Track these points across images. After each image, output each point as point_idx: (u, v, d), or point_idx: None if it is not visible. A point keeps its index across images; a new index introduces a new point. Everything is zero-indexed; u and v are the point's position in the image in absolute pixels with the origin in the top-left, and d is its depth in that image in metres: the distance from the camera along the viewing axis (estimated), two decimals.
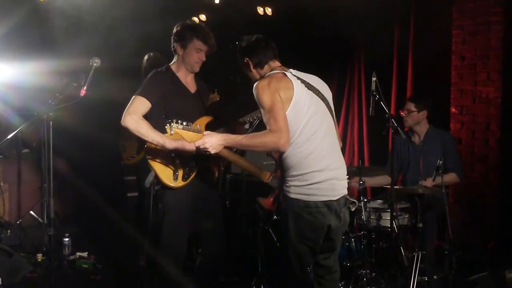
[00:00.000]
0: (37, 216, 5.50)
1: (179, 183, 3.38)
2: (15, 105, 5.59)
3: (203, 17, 6.62)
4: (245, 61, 3.06)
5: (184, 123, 2.93)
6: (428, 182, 4.08)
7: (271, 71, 2.99)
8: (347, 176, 3.04)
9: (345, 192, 2.99)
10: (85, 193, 5.82)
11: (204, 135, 2.98)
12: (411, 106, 4.57)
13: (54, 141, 3.93)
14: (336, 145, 3.02)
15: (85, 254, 4.96)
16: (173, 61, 3.58)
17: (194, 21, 3.56)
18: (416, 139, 4.62)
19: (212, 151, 2.96)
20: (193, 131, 2.95)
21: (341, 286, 4.01)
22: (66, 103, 3.59)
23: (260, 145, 2.83)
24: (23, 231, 5.34)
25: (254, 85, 2.89)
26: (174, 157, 3.38)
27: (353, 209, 3.08)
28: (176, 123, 2.91)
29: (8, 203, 5.82)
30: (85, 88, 3.49)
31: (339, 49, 6.22)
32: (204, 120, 3.52)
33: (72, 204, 6.26)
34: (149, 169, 4.85)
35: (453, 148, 4.55)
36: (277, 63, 3.05)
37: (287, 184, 2.91)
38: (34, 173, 5.79)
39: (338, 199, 2.92)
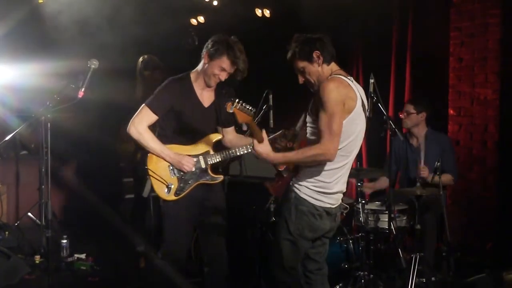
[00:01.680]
0: (35, 218, 5.49)
1: (171, 197, 3.37)
2: (13, 106, 5.59)
3: (201, 18, 6.62)
4: (314, 55, 2.91)
5: (243, 104, 2.83)
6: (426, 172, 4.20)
7: (331, 71, 2.95)
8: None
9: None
10: (83, 195, 5.80)
11: (264, 137, 2.88)
12: (410, 108, 4.58)
13: (52, 142, 3.94)
14: None
15: (83, 256, 4.96)
16: (196, 68, 3.45)
17: (235, 39, 3.35)
18: (414, 141, 4.62)
19: (258, 156, 2.91)
20: (244, 112, 2.84)
21: (339, 287, 4.02)
22: (64, 104, 3.59)
23: (310, 160, 2.82)
24: (21, 233, 5.33)
25: (323, 84, 2.82)
26: (172, 171, 3.38)
27: (344, 214, 3.15)
28: (237, 102, 2.81)
29: (6, 205, 5.81)
30: (83, 89, 3.50)
31: (337, 51, 6.20)
32: (213, 137, 3.46)
33: (70, 206, 6.25)
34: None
35: (450, 151, 4.56)
36: (335, 65, 3.00)
37: (300, 183, 2.93)
38: (32, 175, 5.77)
39: (336, 206, 3.02)
